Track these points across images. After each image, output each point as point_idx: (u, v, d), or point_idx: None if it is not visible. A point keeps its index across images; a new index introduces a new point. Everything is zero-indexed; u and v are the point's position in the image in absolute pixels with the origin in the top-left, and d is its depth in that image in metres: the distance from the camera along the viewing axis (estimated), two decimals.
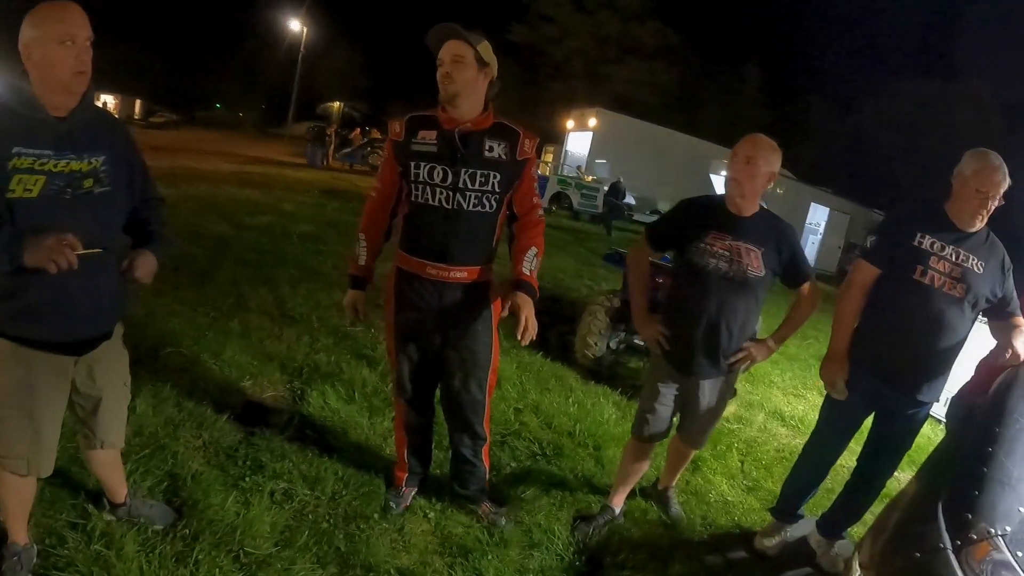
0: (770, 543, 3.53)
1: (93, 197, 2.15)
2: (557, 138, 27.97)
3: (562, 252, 11.11)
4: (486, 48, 2.76)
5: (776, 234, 3.06)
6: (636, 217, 23.27)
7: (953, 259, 2.96)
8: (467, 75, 2.72)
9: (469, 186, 2.76)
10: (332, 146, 25.97)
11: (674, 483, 3.78)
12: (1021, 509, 2.28)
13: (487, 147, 2.79)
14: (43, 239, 1.97)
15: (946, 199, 3.06)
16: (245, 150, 24.98)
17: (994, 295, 3.02)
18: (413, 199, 2.84)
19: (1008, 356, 2.87)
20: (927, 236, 3.00)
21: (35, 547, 2.40)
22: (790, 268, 3.12)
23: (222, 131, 40.19)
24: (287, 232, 9.03)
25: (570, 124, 27.05)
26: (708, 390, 3.21)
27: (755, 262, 2.99)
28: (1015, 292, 3.06)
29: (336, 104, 41.82)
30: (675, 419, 3.38)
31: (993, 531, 2.21)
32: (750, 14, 51.12)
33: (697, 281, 3.04)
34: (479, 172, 2.77)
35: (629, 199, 21.12)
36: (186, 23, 54.03)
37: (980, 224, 2.99)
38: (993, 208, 2.96)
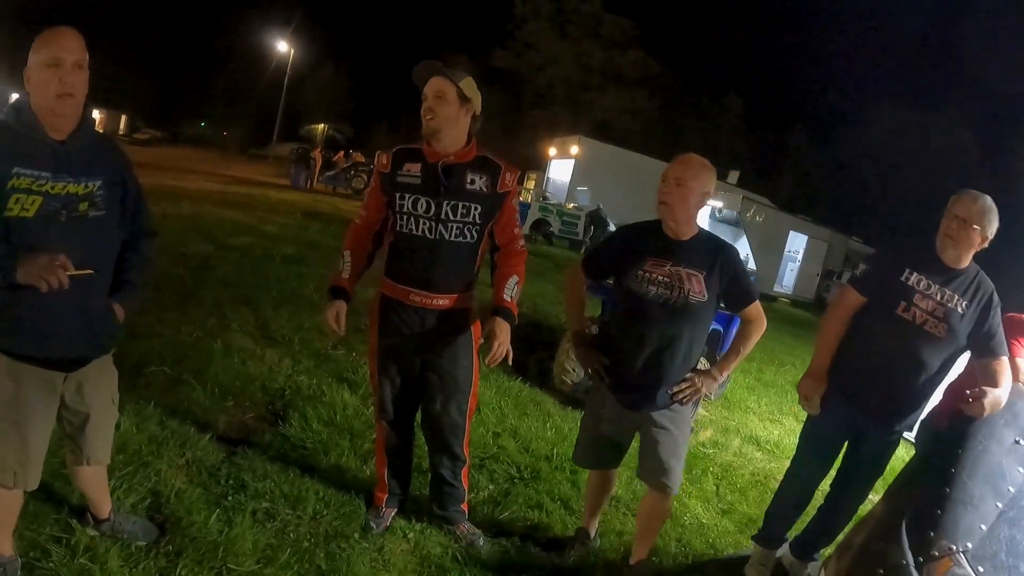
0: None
1: (87, 220, 2.21)
2: (540, 164, 28.14)
3: (541, 279, 11.16)
4: (469, 84, 2.86)
5: (716, 255, 2.91)
6: None
7: (938, 298, 3.01)
8: (448, 111, 2.82)
9: (451, 217, 2.86)
10: (317, 168, 25.96)
11: (647, 554, 3.33)
12: (983, 527, 2.37)
13: (469, 179, 2.88)
14: (36, 257, 2.03)
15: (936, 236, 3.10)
16: (229, 170, 25.02)
17: (976, 334, 3.03)
18: (398, 229, 2.93)
19: (977, 400, 2.76)
20: (915, 273, 3.05)
21: (19, 560, 2.42)
22: (733, 290, 2.95)
23: (206, 150, 40.21)
24: (270, 253, 9.03)
25: (552, 152, 27.20)
26: (658, 423, 3.00)
27: (697, 286, 2.85)
28: (1000, 329, 3.06)
29: (320, 126, 41.81)
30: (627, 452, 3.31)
31: (955, 548, 2.30)
32: (731, 44, 52.10)
33: (637, 310, 2.92)
34: (461, 204, 2.86)
35: (610, 227, 21.29)
36: (174, 41, 54.34)
37: (952, 249, 3.00)
38: (974, 242, 2.99)
